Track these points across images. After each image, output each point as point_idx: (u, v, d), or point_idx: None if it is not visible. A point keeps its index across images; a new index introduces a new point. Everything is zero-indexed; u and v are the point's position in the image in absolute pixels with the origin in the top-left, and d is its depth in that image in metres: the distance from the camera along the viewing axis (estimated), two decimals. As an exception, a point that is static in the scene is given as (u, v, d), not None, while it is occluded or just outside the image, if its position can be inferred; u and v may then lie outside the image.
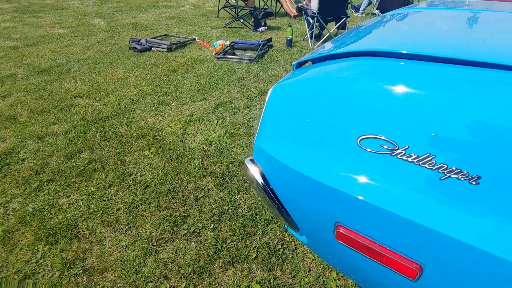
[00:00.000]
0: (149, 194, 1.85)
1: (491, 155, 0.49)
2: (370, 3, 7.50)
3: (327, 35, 4.87)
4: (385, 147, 0.57)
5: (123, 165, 2.10)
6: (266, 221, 1.69)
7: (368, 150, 0.58)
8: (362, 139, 0.59)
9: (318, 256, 1.01)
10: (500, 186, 0.48)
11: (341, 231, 0.63)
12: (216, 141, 2.35)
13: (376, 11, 4.53)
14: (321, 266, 1.47)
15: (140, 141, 2.34)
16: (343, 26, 4.84)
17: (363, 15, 7.35)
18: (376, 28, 0.92)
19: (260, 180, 0.74)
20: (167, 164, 2.10)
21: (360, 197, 0.59)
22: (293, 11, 6.74)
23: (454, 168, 0.51)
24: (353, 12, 7.18)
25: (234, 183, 1.95)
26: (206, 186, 1.93)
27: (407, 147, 0.55)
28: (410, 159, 0.55)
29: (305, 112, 0.67)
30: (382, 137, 0.57)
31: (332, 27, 5.05)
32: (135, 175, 2.01)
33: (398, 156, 0.55)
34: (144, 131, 2.46)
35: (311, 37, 4.80)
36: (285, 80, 0.72)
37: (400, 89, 0.56)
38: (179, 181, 1.96)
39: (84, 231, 1.62)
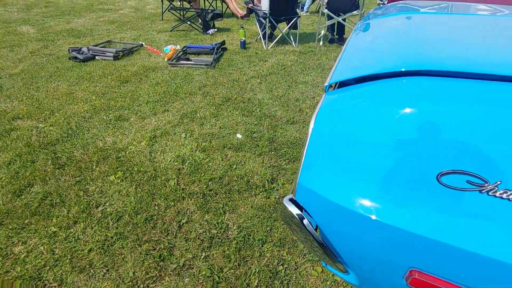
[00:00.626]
0: (124, 227, 1.64)
1: None
2: (313, 1, 7.70)
3: (279, 36, 4.86)
4: (472, 183, 0.50)
5: (87, 195, 1.84)
6: (260, 241, 1.58)
7: (451, 187, 0.51)
8: (443, 175, 0.51)
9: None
10: None
11: (417, 276, 0.56)
12: (188, 157, 2.18)
13: (326, 11, 4.61)
14: (327, 283, 1.41)
15: (102, 165, 2.09)
16: (294, 26, 4.86)
17: (308, 13, 7.52)
18: (392, 37, 0.86)
19: (305, 223, 0.64)
20: (139, 189, 1.89)
21: (444, 241, 0.51)
22: (239, 12, 6.64)
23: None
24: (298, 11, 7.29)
25: (217, 203, 1.81)
26: (187, 209, 1.76)
27: (499, 182, 0.48)
28: (504, 196, 0.48)
29: (364, 144, 0.57)
30: (468, 172, 0.50)
31: (282, 27, 5.06)
32: (103, 206, 1.77)
33: (489, 193, 0.49)
34: (105, 153, 2.20)
35: (263, 38, 4.76)
36: (329, 107, 0.62)
37: (486, 114, 0.49)
38: (156, 208, 1.77)
39: (51, 283, 1.37)
